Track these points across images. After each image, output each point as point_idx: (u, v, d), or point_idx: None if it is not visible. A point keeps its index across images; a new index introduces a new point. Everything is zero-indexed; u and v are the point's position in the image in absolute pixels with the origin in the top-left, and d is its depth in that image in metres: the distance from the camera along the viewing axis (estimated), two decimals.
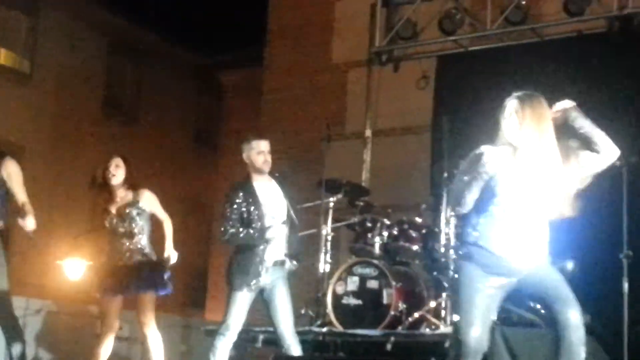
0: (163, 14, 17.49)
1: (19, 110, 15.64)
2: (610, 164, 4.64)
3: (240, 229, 6.05)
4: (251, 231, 6.06)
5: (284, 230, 6.20)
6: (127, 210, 6.61)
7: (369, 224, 8.05)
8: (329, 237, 8.22)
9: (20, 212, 6.01)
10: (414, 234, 7.92)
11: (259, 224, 6.11)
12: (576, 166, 4.50)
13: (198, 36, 18.09)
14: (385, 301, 7.51)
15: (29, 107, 16.07)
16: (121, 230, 6.59)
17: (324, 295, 7.83)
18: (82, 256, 11.79)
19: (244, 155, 6.28)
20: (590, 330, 7.13)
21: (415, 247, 7.91)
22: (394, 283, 7.49)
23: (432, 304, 7.59)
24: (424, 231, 7.93)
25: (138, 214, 6.62)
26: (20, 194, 6.10)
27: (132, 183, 6.71)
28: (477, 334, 4.44)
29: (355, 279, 7.70)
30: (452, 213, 4.66)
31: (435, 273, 7.90)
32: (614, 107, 8.51)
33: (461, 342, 4.46)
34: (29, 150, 15.23)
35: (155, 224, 6.80)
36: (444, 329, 7.19)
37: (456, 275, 4.79)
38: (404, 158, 10.73)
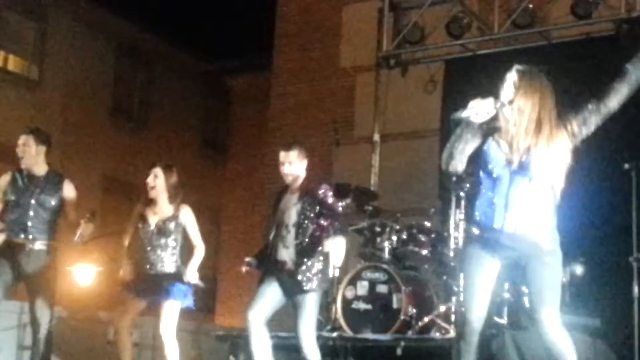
0: (171, 19, 17.53)
1: (27, 115, 15.67)
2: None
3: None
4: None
5: (292, 241, 6.11)
6: (166, 224, 6.59)
7: (378, 229, 8.05)
8: None
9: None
10: (423, 238, 7.92)
11: (273, 231, 6.13)
12: (568, 137, 4.55)
13: (206, 42, 18.14)
14: (395, 306, 7.50)
15: (37, 113, 16.09)
16: (156, 242, 6.58)
17: (334, 300, 7.83)
18: (92, 262, 11.80)
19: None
20: (600, 333, 7.17)
21: (424, 252, 7.91)
22: (403, 287, 7.49)
23: (442, 308, 7.59)
24: (433, 235, 7.93)
25: (175, 227, 6.61)
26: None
27: (173, 196, 6.67)
28: (476, 315, 4.55)
29: (365, 283, 7.70)
30: (446, 168, 4.66)
31: (444, 277, 7.90)
32: (622, 109, 8.50)
33: (463, 321, 4.62)
34: None
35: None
36: (454, 333, 7.18)
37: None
38: (413, 162, 10.74)
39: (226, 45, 17.90)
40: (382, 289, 7.62)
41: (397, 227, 7.99)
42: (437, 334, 7.40)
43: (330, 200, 6.12)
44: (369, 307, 7.64)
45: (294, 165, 6.16)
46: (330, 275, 6.49)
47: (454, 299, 7.48)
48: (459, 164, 4.59)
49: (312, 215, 6.06)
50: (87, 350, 10.37)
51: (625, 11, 9.11)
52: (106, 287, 11.19)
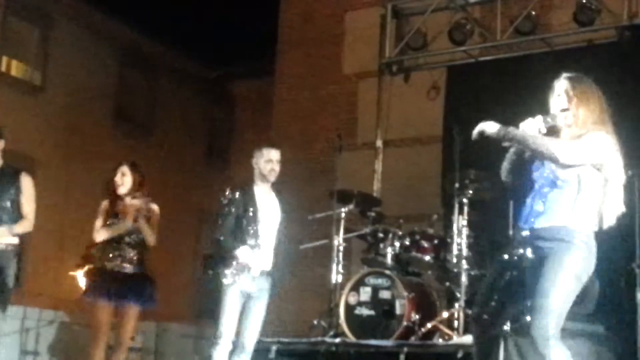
0: (174, 26, 17.54)
1: (30, 122, 15.71)
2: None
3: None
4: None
5: (272, 242, 6.13)
6: (135, 221, 6.58)
7: (380, 235, 8.07)
8: (341, 248, 8.26)
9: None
10: (425, 244, 7.92)
11: (254, 228, 6.09)
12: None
13: (210, 48, 18.14)
14: (398, 312, 7.51)
15: (41, 119, 16.13)
16: (127, 239, 6.58)
17: (337, 305, 7.84)
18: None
19: (253, 161, 6.24)
20: (604, 340, 7.16)
21: (427, 258, 7.91)
22: (406, 293, 7.49)
23: (445, 314, 7.60)
24: (435, 241, 7.93)
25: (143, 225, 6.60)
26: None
27: (138, 193, 6.69)
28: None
29: (368, 289, 7.71)
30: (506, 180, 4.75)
31: (447, 283, 7.91)
32: (625, 116, 8.50)
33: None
34: (41, 163, 15.27)
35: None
36: (457, 339, 7.19)
37: None
38: (415, 168, 10.74)
39: (229, 52, 17.90)
40: (385, 294, 7.63)
41: (400, 233, 8.00)
42: (440, 340, 7.40)
43: None
44: (371, 313, 7.65)
45: (278, 165, 6.22)
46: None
47: (456, 305, 7.49)
48: (505, 175, 4.73)
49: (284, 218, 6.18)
50: (86, 353, 10.39)
51: (627, 18, 9.13)
52: None
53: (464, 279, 7.50)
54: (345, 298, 7.76)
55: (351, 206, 8.41)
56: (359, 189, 8.70)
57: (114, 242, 6.58)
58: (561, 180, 4.50)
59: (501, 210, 7.40)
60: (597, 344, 6.98)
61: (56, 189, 14.99)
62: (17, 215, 6.29)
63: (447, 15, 10.29)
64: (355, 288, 7.75)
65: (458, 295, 7.51)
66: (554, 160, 4.45)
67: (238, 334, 6.01)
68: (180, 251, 16.22)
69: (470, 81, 10.11)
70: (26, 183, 6.38)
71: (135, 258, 6.59)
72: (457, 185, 7.72)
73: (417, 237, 7.96)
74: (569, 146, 4.46)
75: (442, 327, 7.47)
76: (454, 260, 7.67)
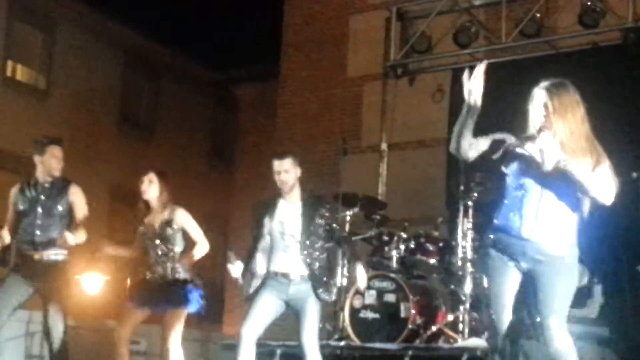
0: (179, 29, 17.59)
1: (35, 125, 15.72)
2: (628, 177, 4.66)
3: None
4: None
5: (298, 251, 6.05)
6: (162, 229, 6.57)
7: (385, 238, 8.06)
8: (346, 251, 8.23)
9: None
10: (430, 247, 7.91)
11: (272, 242, 6.06)
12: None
13: (214, 51, 18.19)
14: (402, 315, 7.49)
15: (45, 123, 16.15)
16: (156, 248, 6.57)
17: (342, 309, 7.83)
18: (100, 271, 11.83)
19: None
20: (609, 343, 7.15)
21: (432, 261, 7.91)
22: (411, 297, 7.48)
23: (450, 317, 7.58)
24: (440, 244, 7.93)
25: (172, 232, 6.58)
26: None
27: (166, 200, 6.63)
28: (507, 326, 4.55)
29: (373, 292, 7.69)
30: (456, 151, 4.67)
31: (452, 286, 7.90)
32: (630, 118, 8.50)
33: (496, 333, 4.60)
34: None
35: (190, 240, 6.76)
36: (462, 342, 7.18)
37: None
38: (420, 171, 10.74)
39: (233, 55, 17.95)
40: (389, 298, 7.62)
41: (405, 236, 7.99)
42: (445, 343, 7.39)
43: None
44: (376, 316, 7.64)
45: (290, 174, 6.10)
46: (336, 288, 6.42)
47: (461, 308, 7.48)
48: (469, 152, 4.62)
49: (319, 229, 6.02)
50: (91, 358, 10.39)
51: (632, 20, 9.12)
52: (114, 296, 11.20)
53: (468, 282, 7.50)
54: (350, 301, 7.75)
55: (356, 209, 8.40)
56: (364, 192, 8.69)
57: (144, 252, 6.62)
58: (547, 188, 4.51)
59: None
60: (602, 346, 6.98)
61: None
62: (68, 226, 6.48)
63: (452, 18, 10.28)
64: (360, 291, 7.73)
65: (463, 298, 7.50)
66: (602, 203, 4.46)
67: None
68: None
69: None
70: (76, 194, 6.67)
71: (168, 267, 6.57)
72: (462, 188, 7.71)
73: (422, 240, 7.95)
74: (606, 187, 4.43)
75: (447, 330, 7.46)
76: (459, 263, 7.67)
